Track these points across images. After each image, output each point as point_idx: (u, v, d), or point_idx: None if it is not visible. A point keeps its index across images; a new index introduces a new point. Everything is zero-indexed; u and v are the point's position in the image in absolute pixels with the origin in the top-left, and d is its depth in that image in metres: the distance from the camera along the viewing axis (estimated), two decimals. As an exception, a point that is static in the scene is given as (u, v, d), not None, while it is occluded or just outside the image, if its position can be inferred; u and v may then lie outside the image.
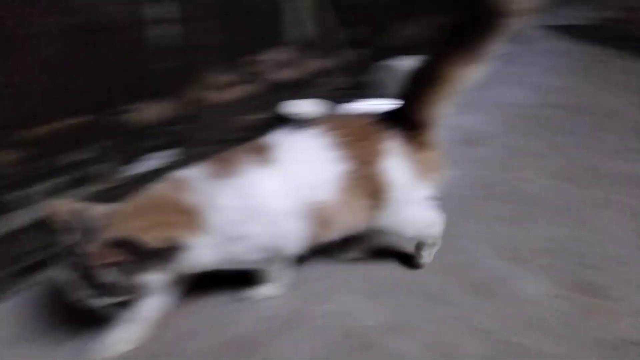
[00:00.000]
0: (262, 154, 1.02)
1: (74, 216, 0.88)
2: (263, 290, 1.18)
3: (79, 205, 0.91)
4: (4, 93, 1.26)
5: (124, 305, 0.96)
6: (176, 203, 0.96)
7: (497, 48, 0.96)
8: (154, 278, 0.92)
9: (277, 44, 2.03)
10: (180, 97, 1.72)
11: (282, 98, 1.98)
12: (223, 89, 1.87)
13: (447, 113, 1.08)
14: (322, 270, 1.27)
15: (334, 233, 1.11)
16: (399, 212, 1.12)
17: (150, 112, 1.65)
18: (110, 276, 0.85)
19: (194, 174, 1.01)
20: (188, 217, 0.95)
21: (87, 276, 0.86)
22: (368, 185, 1.06)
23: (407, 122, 1.08)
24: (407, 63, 2.09)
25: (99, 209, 0.91)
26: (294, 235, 1.04)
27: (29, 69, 1.30)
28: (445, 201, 1.22)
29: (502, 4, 0.88)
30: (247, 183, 0.99)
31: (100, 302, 0.90)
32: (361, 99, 2.03)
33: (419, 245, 1.26)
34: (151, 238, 0.88)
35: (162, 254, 0.90)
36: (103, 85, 1.47)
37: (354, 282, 1.23)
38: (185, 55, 1.67)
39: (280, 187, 1.00)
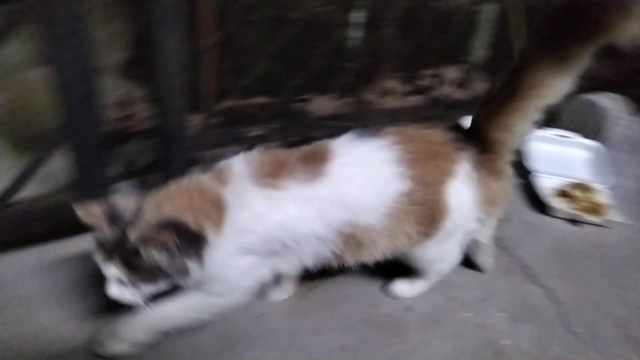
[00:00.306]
0: (318, 163, 0.89)
1: (107, 211, 0.84)
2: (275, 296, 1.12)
3: (108, 203, 0.86)
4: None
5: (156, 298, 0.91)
6: (208, 194, 0.87)
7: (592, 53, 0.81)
8: (195, 265, 0.83)
9: (457, 61, 2.00)
10: (351, 96, 1.83)
11: (448, 115, 1.95)
12: (392, 96, 1.92)
13: (527, 135, 0.96)
14: (470, 279, 1.24)
15: (371, 257, 0.98)
16: (446, 241, 0.99)
17: (320, 104, 1.80)
18: (158, 258, 0.79)
19: (240, 169, 0.90)
20: (216, 213, 0.85)
21: (133, 263, 0.81)
22: (426, 210, 0.93)
23: (481, 144, 0.95)
24: (608, 101, 1.83)
25: (130, 201, 0.87)
26: (312, 252, 0.93)
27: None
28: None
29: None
30: (286, 201, 0.87)
31: (143, 291, 0.87)
32: (549, 128, 1.83)
33: (417, 272, 1.12)
34: (192, 220, 0.82)
35: (195, 244, 0.82)
36: (292, 73, 1.63)
37: (498, 299, 1.20)
38: (366, 58, 1.77)
39: (320, 208, 0.88)
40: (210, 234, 0.83)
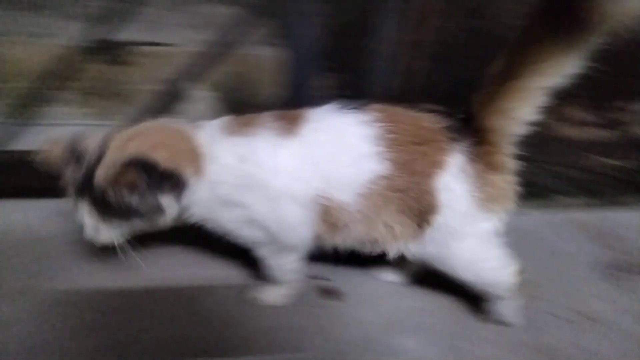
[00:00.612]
0: (291, 124, 0.85)
1: (70, 149, 0.83)
2: (268, 294, 1.01)
3: (70, 138, 0.85)
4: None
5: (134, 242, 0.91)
6: (185, 136, 0.86)
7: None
8: (170, 204, 0.83)
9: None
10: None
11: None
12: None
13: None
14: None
15: (345, 242, 0.92)
16: (449, 244, 0.87)
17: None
18: (128, 198, 0.79)
19: (214, 123, 0.90)
20: (193, 155, 0.84)
21: (103, 203, 0.80)
22: (409, 201, 0.84)
23: (478, 134, 0.84)
24: None
25: (94, 138, 0.85)
26: (294, 225, 0.87)
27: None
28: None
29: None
30: (258, 148, 0.84)
31: (119, 231, 0.87)
32: None
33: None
34: (161, 158, 0.80)
35: (172, 180, 0.81)
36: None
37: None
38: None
39: (294, 167, 0.83)
40: (188, 175, 0.82)
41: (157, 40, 1.34)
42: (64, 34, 1.27)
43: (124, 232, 0.88)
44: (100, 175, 0.79)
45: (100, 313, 0.97)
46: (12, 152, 1.29)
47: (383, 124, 0.84)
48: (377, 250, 0.93)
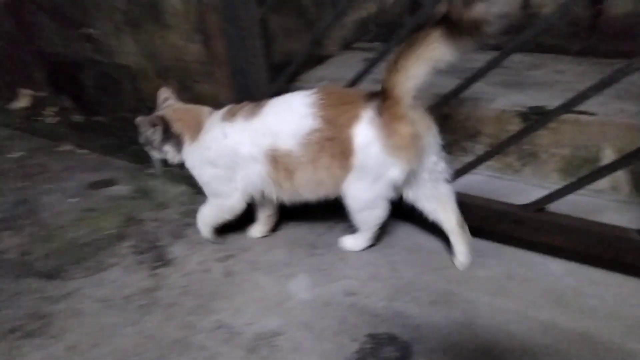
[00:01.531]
0: (258, 107, 1.22)
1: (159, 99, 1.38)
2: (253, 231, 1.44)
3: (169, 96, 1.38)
4: None
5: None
6: (197, 118, 1.30)
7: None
8: (170, 150, 1.31)
9: None
10: None
11: None
12: None
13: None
14: None
15: (301, 187, 1.20)
16: (361, 181, 1.15)
17: None
18: (148, 133, 1.29)
19: (222, 109, 1.29)
20: (196, 128, 1.29)
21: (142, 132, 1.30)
22: (337, 146, 1.12)
23: (383, 93, 1.09)
24: None
25: (169, 105, 1.36)
26: (254, 179, 1.24)
27: None
28: None
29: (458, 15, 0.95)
30: (232, 127, 1.23)
31: (153, 155, 1.35)
32: None
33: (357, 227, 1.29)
34: (175, 125, 1.29)
35: (177, 139, 1.29)
36: None
37: None
38: None
39: (253, 138, 1.19)
40: (186, 139, 1.29)
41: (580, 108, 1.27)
42: (502, 100, 1.48)
43: (159, 156, 1.35)
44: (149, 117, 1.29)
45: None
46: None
47: (318, 95, 1.15)
48: (324, 194, 1.22)
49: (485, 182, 1.52)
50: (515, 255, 1.27)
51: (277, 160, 1.18)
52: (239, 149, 1.22)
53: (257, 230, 1.44)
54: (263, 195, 1.29)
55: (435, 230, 1.37)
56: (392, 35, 1.22)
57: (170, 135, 1.29)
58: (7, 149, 2.23)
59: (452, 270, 1.23)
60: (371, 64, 1.25)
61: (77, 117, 2.41)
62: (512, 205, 1.20)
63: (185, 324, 1.14)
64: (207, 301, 1.21)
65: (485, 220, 1.22)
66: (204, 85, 2.87)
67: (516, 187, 1.49)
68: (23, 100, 2.41)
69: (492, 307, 1.11)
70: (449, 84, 1.63)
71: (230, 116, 1.25)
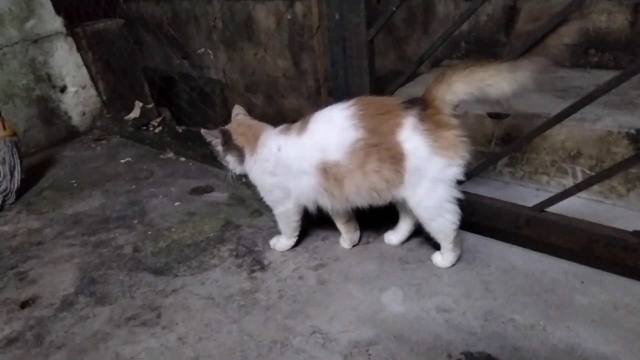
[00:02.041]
0: (304, 123, 1.28)
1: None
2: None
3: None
4: None
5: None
6: (257, 132, 1.38)
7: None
8: (232, 161, 1.40)
9: None
10: None
11: None
12: None
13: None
14: None
15: (351, 194, 1.24)
16: (420, 184, 1.19)
17: None
18: (213, 143, 1.41)
19: (278, 127, 1.38)
20: (255, 142, 1.37)
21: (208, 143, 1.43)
22: (383, 152, 1.17)
23: (423, 103, 1.17)
24: None
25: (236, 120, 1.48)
26: (306, 189, 1.30)
27: None
28: None
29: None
30: (286, 142, 1.31)
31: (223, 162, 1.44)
32: None
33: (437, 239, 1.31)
34: (236, 138, 1.39)
35: (238, 152, 1.38)
36: None
37: None
38: None
39: (303, 152, 1.26)
40: (246, 151, 1.38)
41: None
42: (608, 120, 1.44)
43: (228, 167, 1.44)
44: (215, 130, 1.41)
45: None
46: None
47: (357, 107, 1.21)
48: (380, 199, 1.26)
49: (585, 205, 1.46)
50: (620, 283, 1.20)
51: (326, 171, 1.23)
52: (290, 163, 1.29)
53: (344, 241, 1.49)
54: (317, 204, 1.34)
55: (530, 251, 1.34)
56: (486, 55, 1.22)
57: (231, 147, 1.38)
58: (119, 155, 2.49)
59: (550, 295, 1.19)
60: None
61: (178, 128, 2.61)
62: (622, 231, 1.14)
63: (283, 326, 1.21)
64: (302, 306, 1.27)
65: (590, 244, 1.18)
66: (289, 99, 3.01)
67: (620, 212, 1.42)
68: (135, 111, 2.67)
69: (595, 337, 1.07)
70: (545, 103, 1.60)
71: (285, 131, 1.33)
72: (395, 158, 1.17)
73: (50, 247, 1.70)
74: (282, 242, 1.51)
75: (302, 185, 1.31)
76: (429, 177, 1.18)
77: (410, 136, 1.15)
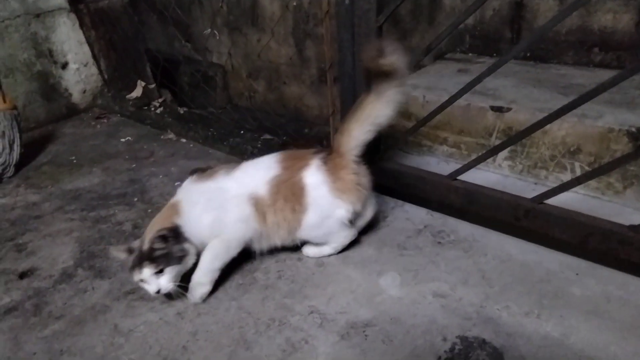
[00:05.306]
0: (233, 168, 1.36)
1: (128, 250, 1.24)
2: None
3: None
4: None
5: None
6: (173, 206, 1.31)
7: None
8: (189, 246, 1.23)
9: None
10: None
11: None
12: None
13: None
14: None
15: (273, 230, 1.32)
16: (312, 214, 1.30)
17: None
18: (162, 248, 1.19)
19: (189, 182, 1.39)
20: (176, 210, 1.28)
21: (152, 258, 1.18)
22: (290, 189, 1.30)
23: (332, 150, 1.35)
24: None
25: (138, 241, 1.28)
26: (240, 217, 1.29)
27: None
28: None
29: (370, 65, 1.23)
30: (212, 185, 1.33)
31: (173, 274, 1.20)
32: None
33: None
34: (160, 227, 1.22)
35: (175, 233, 1.22)
36: None
37: None
38: None
39: (232, 186, 1.31)
40: (179, 222, 1.25)
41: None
42: (609, 118, 1.45)
43: (177, 275, 1.22)
44: (146, 242, 1.20)
45: None
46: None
47: (279, 155, 1.37)
48: (289, 239, 1.35)
49: (583, 200, 1.48)
50: (614, 276, 1.23)
51: (255, 203, 1.30)
52: (226, 196, 1.35)
53: None
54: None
55: (527, 242, 1.36)
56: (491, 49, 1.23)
57: (173, 235, 1.24)
58: (120, 134, 2.48)
59: (545, 285, 1.22)
60: (478, 80, 1.27)
61: (180, 109, 2.61)
62: (619, 225, 1.17)
63: (282, 305, 1.23)
64: (300, 287, 1.28)
65: (586, 237, 1.20)
66: (291, 87, 3.00)
67: (616, 209, 1.44)
68: (137, 91, 2.66)
69: (587, 326, 1.09)
70: (547, 99, 1.62)
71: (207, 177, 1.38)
72: (296, 195, 1.30)
73: (49, 220, 1.71)
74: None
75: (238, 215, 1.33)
76: (324, 213, 1.31)
77: (313, 175, 1.30)
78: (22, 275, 1.42)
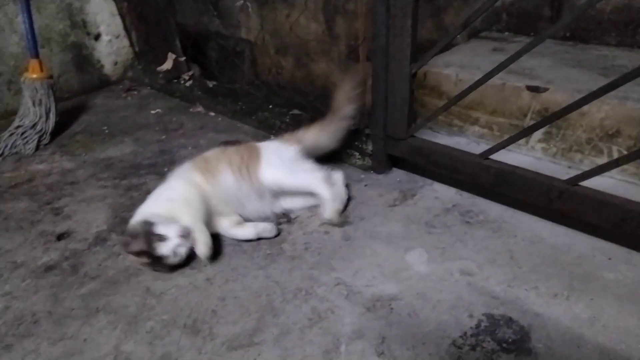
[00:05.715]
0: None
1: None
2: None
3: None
4: None
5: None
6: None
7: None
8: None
9: None
10: None
11: None
12: None
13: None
14: None
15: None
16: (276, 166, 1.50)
17: None
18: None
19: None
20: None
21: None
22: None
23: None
24: None
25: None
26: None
27: None
28: None
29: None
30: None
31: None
32: None
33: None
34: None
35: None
36: None
37: None
38: None
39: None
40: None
41: None
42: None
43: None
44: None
45: None
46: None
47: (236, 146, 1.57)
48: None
49: (618, 185, 1.45)
50: (648, 262, 1.20)
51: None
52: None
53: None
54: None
55: (558, 225, 1.34)
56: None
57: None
58: (150, 106, 2.51)
59: (575, 268, 1.20)
60: (511, 60, 1.23)
61: (209, 83, 2.62)
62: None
63: (308, 276, 1.24)
64: (327, 259, 1.30)
65: (621, 221, 1.17)
66: (319, 64, 2.98)
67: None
68: (168, 64, 2.68)
69: (618, 310, 1.08)
70: (586, 80, 1.57)
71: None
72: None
73: (83, 187, 1.76)
74: None
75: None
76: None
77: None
78: (60, 237, 1.47)
